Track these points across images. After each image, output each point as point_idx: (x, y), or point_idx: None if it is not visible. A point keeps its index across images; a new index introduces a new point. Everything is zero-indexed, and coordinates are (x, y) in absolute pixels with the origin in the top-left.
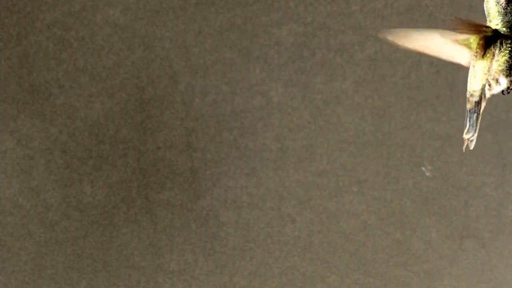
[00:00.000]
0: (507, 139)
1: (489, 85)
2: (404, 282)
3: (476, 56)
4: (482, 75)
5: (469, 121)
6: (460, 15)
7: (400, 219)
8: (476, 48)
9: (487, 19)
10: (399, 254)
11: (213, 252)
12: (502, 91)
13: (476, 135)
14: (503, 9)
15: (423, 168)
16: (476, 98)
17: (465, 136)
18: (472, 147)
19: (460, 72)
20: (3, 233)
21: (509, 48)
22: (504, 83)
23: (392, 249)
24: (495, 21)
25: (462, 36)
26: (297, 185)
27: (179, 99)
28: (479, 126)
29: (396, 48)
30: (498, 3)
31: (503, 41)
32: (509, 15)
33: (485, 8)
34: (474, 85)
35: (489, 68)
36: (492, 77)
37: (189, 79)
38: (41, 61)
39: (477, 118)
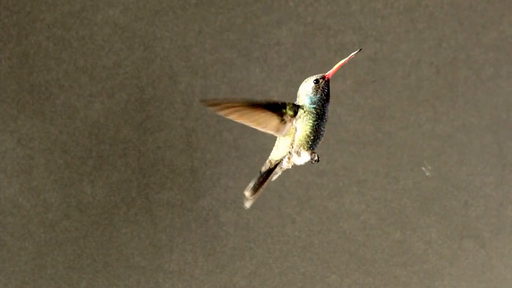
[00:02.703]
0: (507, 139)
1: (289, 158)
2: (404, 282)
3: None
4: (285, 147)
5: (256, 180)
6: (460, 15)
7: (400, 219)
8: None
9: (297, 99)
10: (399, 254)
11: (213, 252)
12: (311, 161)
13: (255, 196)
14: (313, 96)
15: (423, 168)
16: (271, 166)
17: (245, 192)
18: (248, 206)
19: (460, 72)
20: (3, 233)
21: (310, 124)
22: (305, 156)
23: (392, 249)
24: (302, 103)
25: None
26: (297, 185)
27: (179, 99)
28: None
29: (393, 50)
30: (307, 93)
31: (304, 118)
32: (316, 99)
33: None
34: (275, 155)
35: (291, 143)
36: (294, 150)
37: (189, 79)
38: (41, 61)
39: (262, 182)
